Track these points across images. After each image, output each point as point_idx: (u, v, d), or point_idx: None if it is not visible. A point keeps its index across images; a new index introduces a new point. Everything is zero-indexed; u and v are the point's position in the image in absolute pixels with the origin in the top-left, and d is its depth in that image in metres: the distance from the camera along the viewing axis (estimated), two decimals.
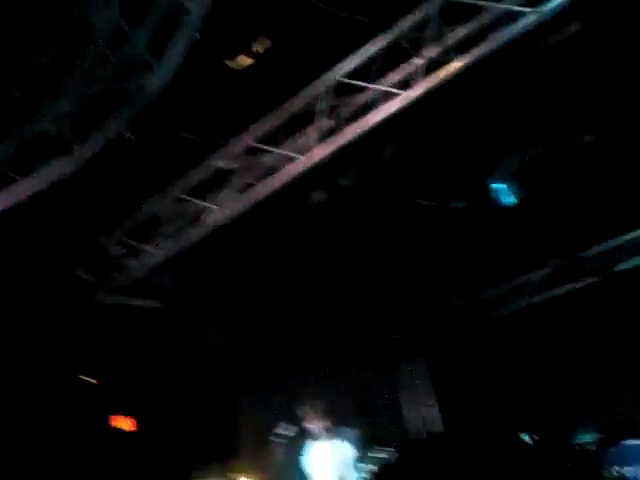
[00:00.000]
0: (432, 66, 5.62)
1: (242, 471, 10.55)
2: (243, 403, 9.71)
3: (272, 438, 7.14)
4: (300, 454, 7.51)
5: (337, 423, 7.26)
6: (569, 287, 9.12)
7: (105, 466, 9.60)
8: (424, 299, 9.36)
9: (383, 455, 7.51)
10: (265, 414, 9.70)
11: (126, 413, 10.42)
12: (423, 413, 9.92)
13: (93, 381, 9.56)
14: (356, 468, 7.32)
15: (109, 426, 10.18)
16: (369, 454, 7.38)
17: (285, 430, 7.42)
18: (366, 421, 9.42)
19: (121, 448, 9.89)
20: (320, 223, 6.91)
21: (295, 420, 7.59)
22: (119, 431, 10.27)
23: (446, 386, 10.03)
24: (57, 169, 5.39)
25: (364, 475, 7.30)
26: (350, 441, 7.42)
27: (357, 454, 7.38)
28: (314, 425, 7.26)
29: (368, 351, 9.19)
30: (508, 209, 7.67)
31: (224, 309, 8.02)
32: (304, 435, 7.49)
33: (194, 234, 6.68)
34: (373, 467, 7.41)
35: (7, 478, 8.45)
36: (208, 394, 9.28)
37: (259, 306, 7.98)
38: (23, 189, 5.44)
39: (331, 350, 8.65)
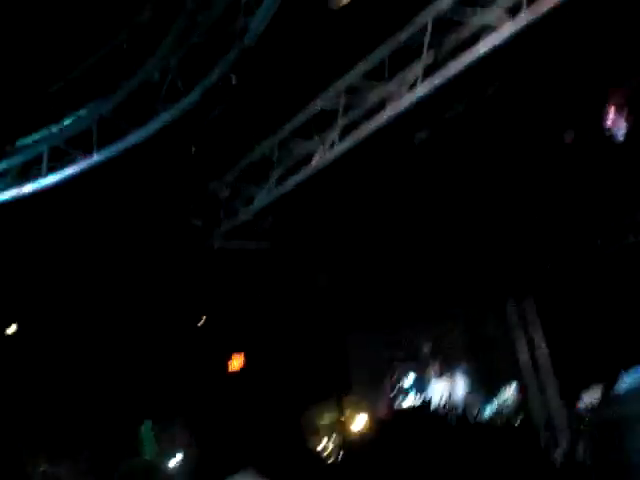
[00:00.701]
0: None
1: (355, 407, 10.77)
2: (353, 341, 9.82)
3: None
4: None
5: (450, 360, 7.33)
6: None
7: (223, 404, 10.03)
8: (534, 234, 9.09)
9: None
10: (375, 352, 9.81)
11: (238, 351, 10.77)
12: (534, 354, 9.77)
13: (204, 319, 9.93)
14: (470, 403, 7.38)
15: (227, 369, 10.58)
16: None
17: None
18: (479, 358, 9.40)
19: (235, 386, 10.27)
20: (427, 160, 6.78)
21: (407, 357, 7.67)
22: (234, 372, 10.66)
23: (556, 327, 9.81)
24: (165, 117, 5.52)
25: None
26: (464, 377, 7.47)
27: (471, 389, 7.43)
28: (428, 363, 7.34)
29: (478, 287, 9.07)
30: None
31: (332, 249, 8.06)
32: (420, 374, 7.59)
33: (301, 175, 6.71)
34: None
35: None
36: (318, 333, 9.44)
37: (367, 246, 7.96)
38: (135, 137, 5.61)
39: (440, 287, 8.56)
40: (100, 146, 5.62)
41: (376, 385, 9.66)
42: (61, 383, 8.83)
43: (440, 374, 7.61)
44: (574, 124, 7.68)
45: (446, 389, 7.61)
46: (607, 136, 7.09)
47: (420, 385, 8.14)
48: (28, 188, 6.25)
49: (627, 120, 7.17)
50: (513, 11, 5.28)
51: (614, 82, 7.18)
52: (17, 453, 8.75)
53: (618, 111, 7.33)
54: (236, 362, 10.82)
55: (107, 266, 7.74)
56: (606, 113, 7.37)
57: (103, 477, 9.06)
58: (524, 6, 5.21)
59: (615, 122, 7.33)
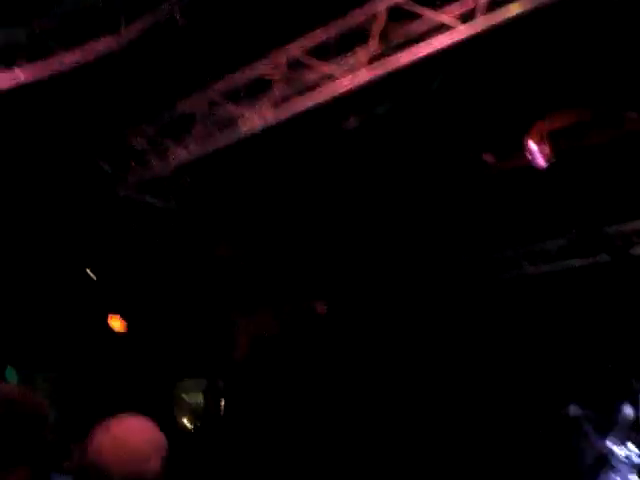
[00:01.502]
0: (495, 4, 5.48)
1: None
2: (240, 319, 9.75)
3: None
4: None
5: None
6: (584, 261, 9.07)
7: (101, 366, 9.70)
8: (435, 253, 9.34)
9: None
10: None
11: (121, 314, 10.47)
12: None
13: (93, 277, 9.58)
14: None
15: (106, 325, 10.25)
16: None
17: None
18: None
19: (114, 349, 9.96)
20: (351, 149, 6.81)
21: None
22: (112, 332, 10.34)
23: None
24: (102, 45, 5.28)
25: None
26: None
27: None
28: None
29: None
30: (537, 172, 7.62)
31: (239, 220, 7.97)
32: None
33: (224, 138, 6.60)
34: None
35: None
36: (207, 305, 9.31)
37: (274, 223, 7.92)
38: (65, 60, 5.33)
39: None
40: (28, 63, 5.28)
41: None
42: None
43: None
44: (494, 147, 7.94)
45: None
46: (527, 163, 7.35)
47: None
48: None
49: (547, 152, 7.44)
50: (469, 16, 5.40)
51: (537, 114, 7.47)
52: None
53: (539, 143, 7.61)
54: (116, 323, 10.53)
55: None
56: (526, 143, 7.64)
57: None
58: (480, 12, 5.34)
59: (536, 153, 7.59)
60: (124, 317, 10.37)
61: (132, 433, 3.21)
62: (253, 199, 7.56)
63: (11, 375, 9.86)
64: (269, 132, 6.47)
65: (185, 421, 11.80)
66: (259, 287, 8.90)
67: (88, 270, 9.57)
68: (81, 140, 7.14)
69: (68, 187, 7.57)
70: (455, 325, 9.77)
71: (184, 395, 12.11)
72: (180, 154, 6.91)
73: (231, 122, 6.60)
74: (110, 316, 10.48)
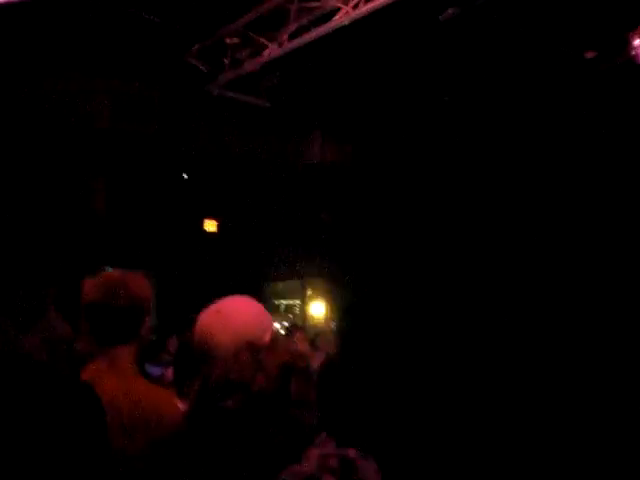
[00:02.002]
0: None
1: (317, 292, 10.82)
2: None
3: None
4: None
5: None
6: None
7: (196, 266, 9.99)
8: None
9: None
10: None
11: (214, 216, 10.72)
12: None
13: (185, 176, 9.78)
14: None
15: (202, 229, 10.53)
16: None
17: None
18: None
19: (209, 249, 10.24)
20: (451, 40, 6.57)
21: None
22: (211, 234, 10.63)
23: None
24: None
25: None
26: None
27: None
28: None
29: None
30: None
31: (332, 116, 7.92)
32: None
33: (317, 32, 6.50)
34: None
35: None
36: (294, 205, 9.35)
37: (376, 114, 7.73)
38: None
39: None
40: None
41: None
42: None
43: None
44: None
45: None
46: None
47: None
48: None
49: None
50: None
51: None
52: None
53: None
54: (210, 226, 10.82)
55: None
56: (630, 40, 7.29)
57: None
58: None
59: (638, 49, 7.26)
60: (217, 219, 10.64)
61: (241, 311, 3.26)
62: (351, 95, 7.41)
63: None
64: (361, 25, 6.33)
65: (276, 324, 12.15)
66: None
67: (184, 174, 9.78)
68: (174, 39, 7.17)
69: (163, 89, 7.67)
70: None
71: (274, 299, 12.42)
72: (272, 50, 6.87)
73: (325, 16, 6.48)
74: (205, 220, 10.78)
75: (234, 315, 3.10)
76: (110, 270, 3.57)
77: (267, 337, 3.04)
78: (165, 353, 6.90)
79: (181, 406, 2.93)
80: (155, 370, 5.49)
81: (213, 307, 3.18)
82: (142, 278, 3.49)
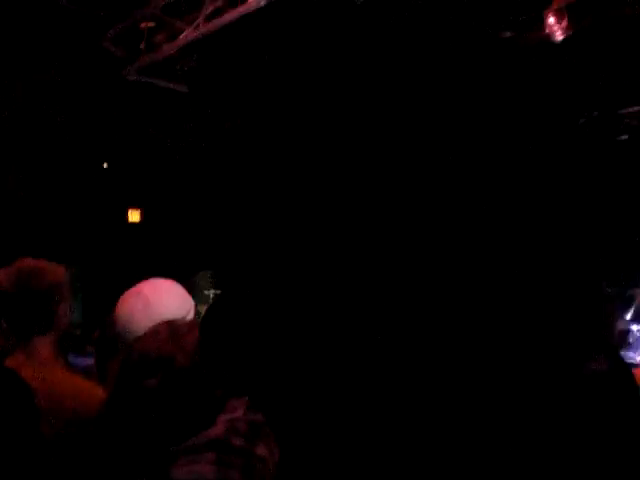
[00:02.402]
0: None
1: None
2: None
3: None
4: None
5: None
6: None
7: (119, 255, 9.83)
8: None
9: None
10: None
11: (135, 205, 10.56)
12: None
13: (105, 166, 9.60)
14: None
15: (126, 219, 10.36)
16: None
17: None
18: None
19: (132, 239, 10.09)
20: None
21: None
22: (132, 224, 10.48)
23: None
24: None
25: None
26: None
27: None
28: None
29: None
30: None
31: (247, 100, 7.85)
32: None
33: (232, 15, 6.42)
34: None
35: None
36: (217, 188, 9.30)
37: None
38: None
39: None
40: None
41: None
42: None
43: None
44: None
45: None
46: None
47: None
48: None
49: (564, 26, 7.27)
50: None
51: None
52: None
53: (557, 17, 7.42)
54: (134, 216, 10.67)
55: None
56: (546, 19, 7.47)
57: None
58: None
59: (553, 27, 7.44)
60: (140, 208, 10.49)
61: (163, 293, 3.21)
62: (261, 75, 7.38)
63: None
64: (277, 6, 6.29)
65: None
66: None
67: (104, 163, 9.60)
68: (88, 25, 6.99)
69: (76, 75, 7.48)
70: None
71: (204, 290, 12.30)
72: (188, 33, 6.77)
73: None
74: (129, 210, 10.62)
75: (155, 297, 3.05)
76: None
77: (189, 318, 3.01)
78: (90, 345, 6.76)
79: (102, 393, 2.87)
80: (80, 361, 5.38)
81: (133, 289, 3.12)
82: (56, 265, 3.40)
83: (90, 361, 5.27)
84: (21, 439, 1.99)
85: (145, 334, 2.11)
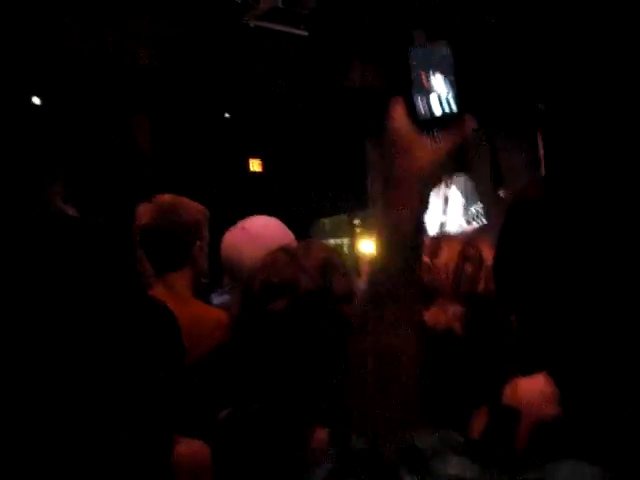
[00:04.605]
0: None
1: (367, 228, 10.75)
2: (371, 151, 9.65)
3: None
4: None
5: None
6: None
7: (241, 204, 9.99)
8: None
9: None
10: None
11: (256, 155, 10.69)
12: None
13: (227, 116, 9.70)
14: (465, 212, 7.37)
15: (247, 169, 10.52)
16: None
17: None
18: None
19: (254, 188, 10.25)
20: None
21: None
22: (253, 173, 10.63)
23: None
24: None
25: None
26: (461, 187, 7.41)
27: (466, 199, 7.40)
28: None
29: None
30: None
31: (371, 45, 7.72)
32: None
33: None
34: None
35: None
36: (338, 137, 9.24)
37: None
38: None
39: None
40: None
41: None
42: None
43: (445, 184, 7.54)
44: None
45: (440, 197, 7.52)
46: None
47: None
48: None
49: None
50: None
51: None
52: None
53: None
54: (255, 165, 10.81)
55: None
56: None
57: None
58: None
59: None
60: (261, 158, 10.61)
61: (266, 226, 3.27)
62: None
63: None
64: None
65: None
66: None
67: (226, 113, 9.71)
68: None
69: (199, 25, 7.55)
70: None
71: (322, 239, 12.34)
72: None
73: None
74: (250, 159, 10.77)
75: (259, 229, 3.15)
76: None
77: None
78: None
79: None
80: (219, 299, 5.55)
81: (236, 226, 3.21)
82: (196, 203, 3.48)
83: (226, 298, 5.45)
84: (172, 372, 2.03)
85: (264, 262, 2.09)
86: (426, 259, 1.78)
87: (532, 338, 1.49)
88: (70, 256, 1.79)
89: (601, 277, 1.41)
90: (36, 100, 7.14)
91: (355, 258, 10.62)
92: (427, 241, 1.87)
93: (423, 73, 1.35)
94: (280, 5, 6.97)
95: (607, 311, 1.38)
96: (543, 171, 9.72)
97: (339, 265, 2.04)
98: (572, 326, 1.41)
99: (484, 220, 7.39)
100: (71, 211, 1.93)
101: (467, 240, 1.90)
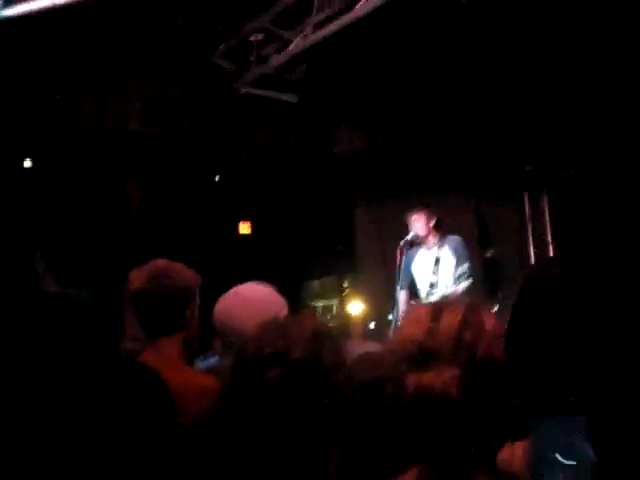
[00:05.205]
0: None
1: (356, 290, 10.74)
2: (360, 214, 9.75)
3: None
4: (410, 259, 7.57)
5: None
6: None
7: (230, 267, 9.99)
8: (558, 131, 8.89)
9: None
10: (381, 225, 9.67)
11: (245, 217, 10.73)
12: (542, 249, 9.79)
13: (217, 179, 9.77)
14: (456, 275, 7.36)
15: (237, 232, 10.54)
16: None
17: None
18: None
19: (243, 251, 10.26)
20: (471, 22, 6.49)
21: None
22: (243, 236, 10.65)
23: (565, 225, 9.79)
24: None
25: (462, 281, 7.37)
26: (453, 248, 7.44)
27: (457, 260, 7.40)
28: (424, 234, 7.30)
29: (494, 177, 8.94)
30: None
31: (358, 110, 7.87)
32: (415, 243, 7.52)
33: (342, 21, 6.43)
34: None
35: None
36: (326, 200, 9.33)
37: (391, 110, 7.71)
38: None
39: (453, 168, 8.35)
40: None
41: (378, 258, 9.52)
42: None
43: (436, 245, 7.54)
44: None
45: (432, 258, 7.53)
46: None
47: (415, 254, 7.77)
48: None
49: None
50: None
51: None
52: None
53: None
54: (244, 228, 10.85)
55: None
56: None
57: None
58: None
59: None
60: (250, 220, 10.65)
61: (257, 292, 3.31)
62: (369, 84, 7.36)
63: None
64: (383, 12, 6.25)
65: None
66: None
67: (216, 176, 9.79)
68: (199, 41, 7.17)
69: (191, 91, 7.68)
70: None
71: (311, 301, 12.31)
72: (297, 43, 6.84)
73: (348, 5, 6.41)
74: (240, 222, 10.81)
75: (251, 295, 3.19)
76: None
77: (284, 314, 3.08)
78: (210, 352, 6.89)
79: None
80: (203, 364, 5.48)
81: (230, 292, 3.26)
82: (188, 268, 3.48)
83: (211, 363, 5.39)
84: (161, 433, 2.01)
85: (257, 333, 2.12)
86: (428, 323, 1.79)
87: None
88: (49, 336, 1.79)
89: (622, 353, 1.44)
90: (27, 163, 7.24)
91: (345, 319, 10.58)
92: (428, 305, 1.90)
93: None
94: (272, 72, 7.12)
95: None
96: (530, 232, 9.85)
97: (329, 335, 2.07)
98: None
99: (470, 280, 7.39)
100: (50, 279, 1.93)
101: (469, 306, 1.91)
